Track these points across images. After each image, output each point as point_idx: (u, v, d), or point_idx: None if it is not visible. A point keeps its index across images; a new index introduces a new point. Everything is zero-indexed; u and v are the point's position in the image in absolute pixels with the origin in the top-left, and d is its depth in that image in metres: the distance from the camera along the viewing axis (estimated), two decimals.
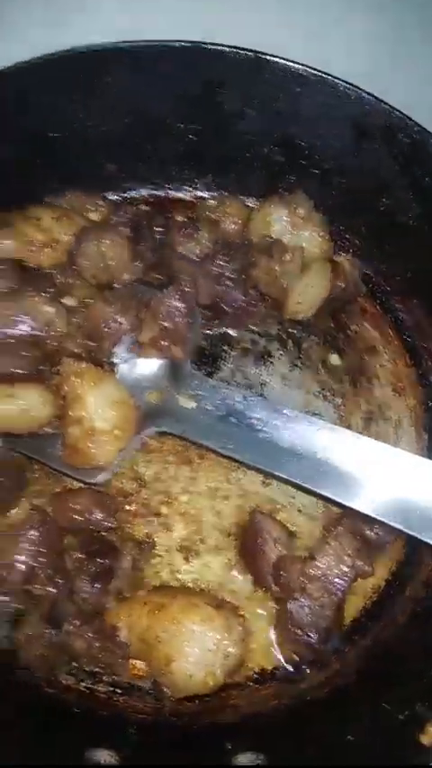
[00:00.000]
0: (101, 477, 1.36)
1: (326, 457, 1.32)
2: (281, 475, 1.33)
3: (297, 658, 1.30)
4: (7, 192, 1.54)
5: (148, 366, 1.46)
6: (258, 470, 1.43)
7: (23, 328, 1.34)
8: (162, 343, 1.44)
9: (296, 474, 1.32)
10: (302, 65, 1.56)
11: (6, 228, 1.45)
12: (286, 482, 1.38)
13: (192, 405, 1.42)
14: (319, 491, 1.31)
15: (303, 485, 1.32)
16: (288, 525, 1.43)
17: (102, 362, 1.42)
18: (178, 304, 1.45)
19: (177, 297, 1.45)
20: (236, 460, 1.40)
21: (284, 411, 1.37)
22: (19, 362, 1.31)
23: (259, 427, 1.37)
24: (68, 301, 1.42)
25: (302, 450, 1.33)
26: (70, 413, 1.31)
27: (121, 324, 1.43)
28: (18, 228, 1.46)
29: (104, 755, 1.04)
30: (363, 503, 1.29)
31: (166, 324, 1.44)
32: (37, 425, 1.33)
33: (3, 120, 1.50)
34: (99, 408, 1.31)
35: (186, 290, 1.46)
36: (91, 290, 1.46)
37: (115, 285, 1.51)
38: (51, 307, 1.34)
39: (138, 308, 1.44)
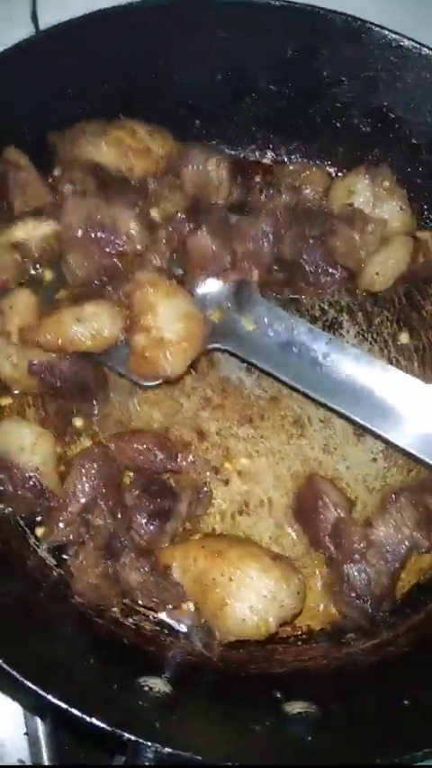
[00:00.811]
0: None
1: (383, 396, 1.37)
2: (336, 407, 1.38)
3: (348, 621, 1.28)
4: None
5: (217, 284, 1.47)
6: (309, 398, 1.43)
7: (103, 235, 1.37)
8: (243, 264, 1.45)
9: (352, 409, 1.37)
10: (403, 36, 1.55)
11: (103, 136, 1.46)
12: (340, 415, 1.42)
13: (252, 328, 1.43)
14: (372, 428, 1.36)
15: (357, 420, 1.37)
16: (347, 494, 1.41)
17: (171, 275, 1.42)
18: (267, 228, 1.47)
19: (269, 222, 1.47)
20: (288, 385, 1.43)
21: (348, 348, 1.42)
22: (95, 269, 1.34)
23: (320, 360, 1.40)
24: (155, 214, 1.43)
25: (360, 386, 1.38)
26: (140, 321, 1.32)
27: (219, 258, 1.44)
28: (114, 135, 1.47)
29: (159, 684, 1.02)
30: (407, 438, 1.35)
31: (250, 246, 1.45)
32: (108, 344, 1.34)
33: (93, 69, 1.51)
34: (169, 319, 1.32)
35: (279, 216, 1.48)
36: (182, 208, 1.47)
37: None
38: (136, 222, 1.36)
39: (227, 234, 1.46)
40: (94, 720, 0.90)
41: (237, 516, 1.37)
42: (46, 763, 1.29)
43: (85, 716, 0.90)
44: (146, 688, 1.02)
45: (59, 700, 0.91)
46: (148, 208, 1.44)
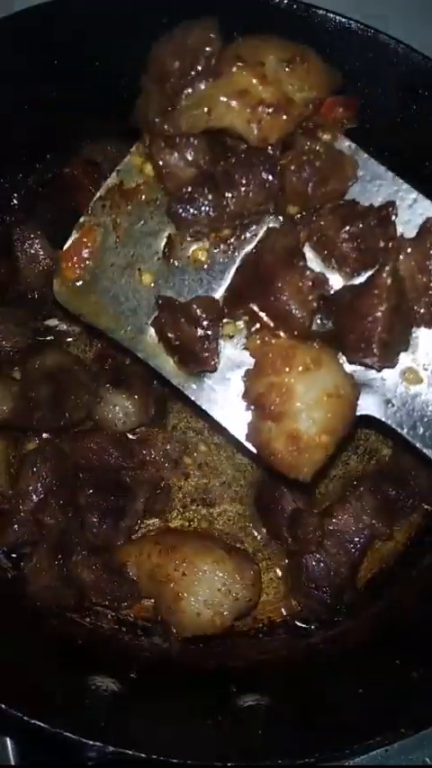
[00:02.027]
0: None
1: None
2: None
3: (308, 613, 1.27)
4: (36, 136, 1.54)
5: None
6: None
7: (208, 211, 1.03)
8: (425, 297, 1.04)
9: None
10: (351, 18, 1.53)
11: (217, 80, 0.99)
12: None
13: (417, 387, 1.06)
14: None
15: None
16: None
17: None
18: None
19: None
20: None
21: None
22: None
23: None
24: (292, 211, 1.07)
25: None
26: (269, 406, 1.00)
27: None
28: (235, 81, 0.98)
29: (107, 682, 1.01)
30: None
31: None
32: None
33: (33, 58, 1.48)
34: (307, 404, 0.99)
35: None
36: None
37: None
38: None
39: None
40: (35, 721, 0.88)
41: (197, 510, 1.36)
42: (12, 763, 1.28)
43: (25, 717, 0.89)
44: (93, 687, 1.00)
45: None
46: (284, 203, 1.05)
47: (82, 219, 1.15)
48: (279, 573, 1.32)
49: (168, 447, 1.40)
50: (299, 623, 1.28)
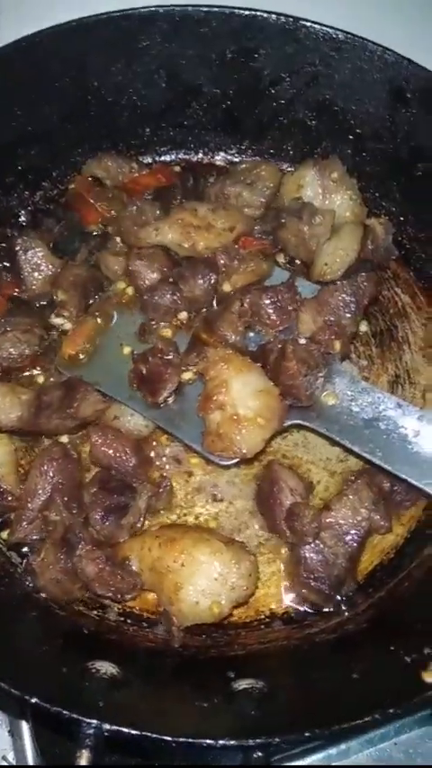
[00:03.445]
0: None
1: None
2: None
3: (307, 604, 1.29)
4: (40, 154, 1.63)
5: None
6: (404, 481, 1.31)
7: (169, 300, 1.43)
8: (323, 336, 1.40)
9: None
10: (339, 29, 1.59)
11: (165, 219, 1.51)
12: None
13: (333, 402, 1.35)
14: None
15: None
16: (307, 479, 1.43)
17: (245, 350, 1.40)
18: (349, 298, 1.41)
19: (350, 291, 1.41)
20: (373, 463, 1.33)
21: None
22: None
23: (411, 438, 1.30)
24: (227, 288, 1.47)
25: None
26: (214, 398, 1.29)
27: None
28: (176, 217, 1.50)
29: (107, 666, 1.06)
30: None
31: (331, 317, 1.40)
32: None
33: (36, 83, 1.57)
34: (244, 396, 1.28)
35: (363, 285, 1.42)
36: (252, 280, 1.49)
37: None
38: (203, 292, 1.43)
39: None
40: (34, 700, 0.93)
41: (200, 507, 1.40)
42: (30, 762, 1.33)
43: (25, 696, 0.94)
44: (94, 670, 1.05)
45: (1, 681, 0.95)
46: (220, 282, 1.46)
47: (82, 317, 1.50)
48: (281, 566, 1.35)
49: (172, 446, 1.45)
50: (299, 614, 1.30)
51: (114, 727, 0.92)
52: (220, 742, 0.92)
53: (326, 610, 1.29)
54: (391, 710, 0.97)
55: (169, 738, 0.92)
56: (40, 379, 1.48)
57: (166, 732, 0.92)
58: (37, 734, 1.26)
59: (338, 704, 1.01)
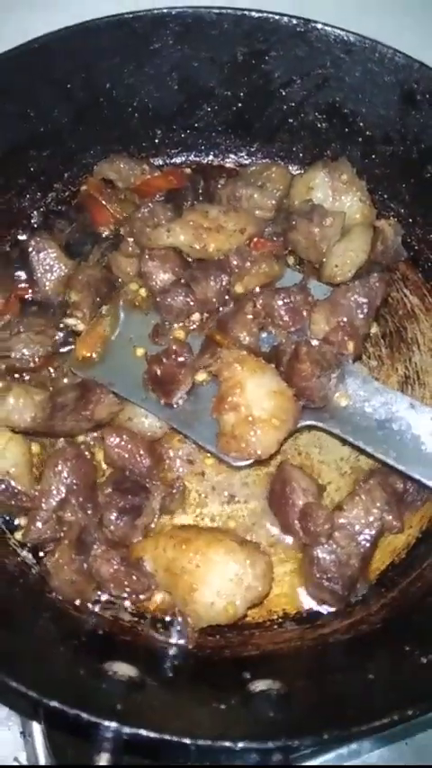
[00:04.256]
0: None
1: None
2: None
3: (321, 604, 1.30)
4: (52, 156, 1.63)
5: None
6: (416, 481, 1.32)
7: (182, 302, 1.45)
8: (335, 337, 1.40)
9: None
10: (349, 31, 1.59)
11: (176, 219, 1.51)
12: None
13: (346, 402, 1.36)
14: None
15: None
16: (319, 479, 1.43)
17: (258, 352, 1.40)
18: (362, 300, 1.41)
19: (362, 292, 1.41)
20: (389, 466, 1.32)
21: None
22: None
23: (424, 438, 1.30)
24: (239, 289, 1.47)
25: None
26: (229, 399, 1.29)
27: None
28: (187, 219, 1.50)
29: (123, 668, 1.06)
30: None
31: (344, 318, 1.40)
32: None
33: (48, 85, 1.58)
34: (258, 397, 1.27)
35: (375, 285, 1.42)
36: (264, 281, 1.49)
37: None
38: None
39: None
40: (54, 703, 0.93)
41: (213, 508, 1.40)
42: (42, 762, 1.33)
43: (44, 699, 0.94)
44: (111, 673, 1.05)
45: (17, 683, 0.95)
46: (233, 283, 1.46)
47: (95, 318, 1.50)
48: (295, 566, 1.35)
49: (185, 447, 1.45)
50: (312, 614, 1.30)
51: (134, 730, 0.92)
52: (240, 744, 0.92)
53: (336, 609, 1.30)
54: (410, 712, 0.97)
55: (189, 741, 0.92)
56: (54, 381, 1.48)
57: (185, 735, 0.92)
58: (49, 735, 1.26)
59: (357, 706, 1.01)
